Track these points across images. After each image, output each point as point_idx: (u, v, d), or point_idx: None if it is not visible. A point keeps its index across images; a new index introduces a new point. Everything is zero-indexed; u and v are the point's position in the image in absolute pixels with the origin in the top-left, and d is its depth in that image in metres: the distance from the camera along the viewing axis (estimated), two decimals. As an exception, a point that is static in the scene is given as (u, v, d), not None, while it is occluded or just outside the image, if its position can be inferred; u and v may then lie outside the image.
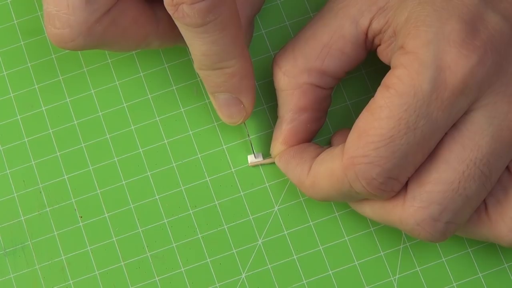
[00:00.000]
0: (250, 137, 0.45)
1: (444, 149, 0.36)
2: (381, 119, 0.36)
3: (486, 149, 0.36)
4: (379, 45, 0.40)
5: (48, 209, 0.44)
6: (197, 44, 0.38)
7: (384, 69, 0.39)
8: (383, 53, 0.40)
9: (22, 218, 0.44)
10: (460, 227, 0.38)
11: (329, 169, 0.38)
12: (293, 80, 0.41)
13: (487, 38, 0.36)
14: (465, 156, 0.36)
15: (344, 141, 0.39)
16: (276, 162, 0.42)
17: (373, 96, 0.37)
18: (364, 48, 0.41)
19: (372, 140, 0.36)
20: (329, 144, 0.44)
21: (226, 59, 0.39)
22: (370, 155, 0.36)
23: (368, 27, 0.40)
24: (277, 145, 0.42)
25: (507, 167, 0.38)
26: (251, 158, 0.44)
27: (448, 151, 0.36)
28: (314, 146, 0.42)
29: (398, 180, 0.37)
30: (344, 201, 0.40)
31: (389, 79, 0.36)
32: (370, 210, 0.39)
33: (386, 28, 0.39)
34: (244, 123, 0.44)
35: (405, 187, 0.37)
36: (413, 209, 0.37)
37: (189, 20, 0.37)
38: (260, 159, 0.44)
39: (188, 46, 0.39)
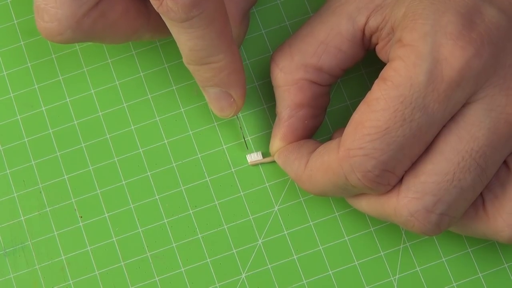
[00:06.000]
0: (243, 129, 0.45)
1: (440, 141, 0.37)
2: (377, 111, 0.36)
3: (482, 141, 0.36)
4: (377, 43, 0.40)
5: (48, 209, 0.44)
6: (184, 39, 0.38)
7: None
8: (381, 52, 0.40)
9: (22, 218, 0.44)
10: (455, 220, 0.38)
11: (325, 162, 0.38)
12: (290, 76, 0.41)
13: (483, 31, 0.36)
14: (461, 147, 0.36)
15: None
16: (275, 159, 0.42)
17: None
18: (362, 46, 0.41)
19: (368, 132, 0.36)
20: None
21: (213, 54, 0.39)
22: (366, 147, 0.36)
23: (365, 24, 0.40)
24: (276, 142, 0.42)
25: (505, 162, 0.38)
26: (250, 158, 0.44)
27: (444, 143, 0.36)
28: (312, 141, 0.42)
29: (394, 173, 0.37)
30: (341, 195, 0.40)
31: (387, 71, 0.36)
32: (366, 204, 0.39)
33: (383, 25, 0.39)
34: (237, 116, 0.44)
35: (401, 180, 0.37)
36: (407, 199, 0.37)
37: (173, 15, 0.37)
38: (259, 158, 0.44)
39: (176, 41, 0.39)
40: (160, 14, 0.37)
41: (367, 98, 0.37)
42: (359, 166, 0.36)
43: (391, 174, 0.37)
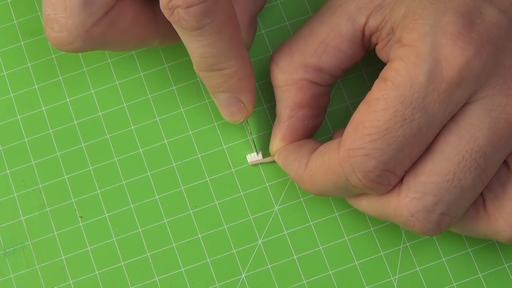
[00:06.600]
0: (252, 136, 0.45)
1: (441, 141, 0.37)
2: (377, 111, 0.36)
3: (482, 141, 0.36)
4: (377, 43, 0.40)
5: (48, 209, 0.44)
6: (194, 47, 0.38)
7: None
8: (381, 52, 0.40)
9: (22, 218, 0.44)
10: (455, 220, 0.38)
11: (326, 162, 0.38)
12: (289, 76, 0.41)
13: (483, 31, 0.36)
14: (461, 147, 0.36)
15: None
16: (275, 159, 0.43)
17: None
18: (361, 46, 0.41)
19: (369, 132, 0.36)
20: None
21: (223, 60, 0.39)
22: (366, 147, 0.36)
23: (365, 24, 0.40)
24: (276, 142, 0.42)
25: (506, 162, 0.38)
26: (250, 157, 0.44)
27: (444, 143, 0.36)
28: (312, 141, 0.42)
29: (395, 173, 0.37)
30: (342, 195, 0.40)
31: (387, 71, 0.36)
32: (366, 204, 0.39)
33: (383, 25, 0.39)
34: (246, 122, 0.44)
35: (401, 180, 0.37)
36: (408, 199, 0.37)
37: (184, 24, 0.37)
38: (259, 158, 0.44)
39: (186, 47, 0.39)
40: (172, 23, 0.37)
41: (367, 98, 0.37)
42: (360, 166, 0.36)
43: (392, 174, 0.37)
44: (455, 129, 0.36)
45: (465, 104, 0.36)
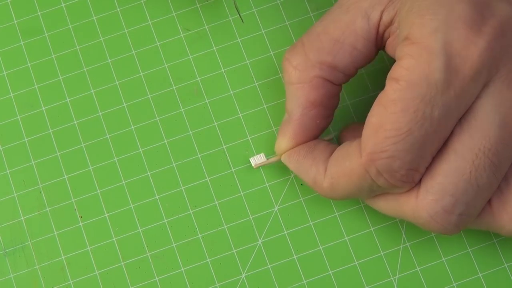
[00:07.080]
0: (236, 4, 0.44)
1: (454, 140, 0.36)
2: (396, 112, 0.36)
3: (493, 139, 0.36)
4: (389, 38, 0.40)
5: (48, 209, 0.44)
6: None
7: (384, 69, 0.39)
8: (389, 46, 0.39)
9: (22, 218, 0.44)
10: (472, 219, 0.37)
11: (348, 168, 0.38)
12: (305, 73, 0.40)
13: (494, 24, 0.36)
14: (474, 145, 0.36)
15: (354, 136, 0.39)
16: (283, 161, 0.42)
17: (373, 95, 0.37)
18: (375, 45, 0.40)
19: (390, 135, 0.36)
20: (337, 142, 0.44)
21: None
22: (389, 149, 0.36)
23: (380, 20, 0.39)
24: (284, 141, 0.42)
25: None
26: (254, 161, 0.44)
27: (457, 142, 0.36)
28: (323, 143, 0.41)
29: (418, 171, 0.37)
30: (363, 197, 0.40)
31: (397, 71, 0.36)
32: (384, 204, 0.39)
33: (396, 19, 0.39)
34: None
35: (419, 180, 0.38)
36: (426, 201, 0.37)
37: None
38: (263, 160, 0.44)
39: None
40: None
41: (381, 100, 0.36)
42: (386, 168, 0.36)
43: (416, 172, 0.37)
44: (466, 127, 0.36)
45: (476, 100, 0.36)
